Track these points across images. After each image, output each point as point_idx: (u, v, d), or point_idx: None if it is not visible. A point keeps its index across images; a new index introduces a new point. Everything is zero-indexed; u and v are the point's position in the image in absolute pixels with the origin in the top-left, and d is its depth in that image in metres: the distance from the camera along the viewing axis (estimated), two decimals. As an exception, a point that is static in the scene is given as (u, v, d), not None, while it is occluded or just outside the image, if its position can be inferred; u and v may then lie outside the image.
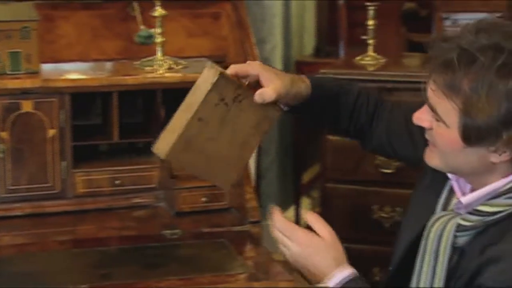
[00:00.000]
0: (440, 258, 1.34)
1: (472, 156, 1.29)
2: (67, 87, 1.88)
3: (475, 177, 1.34)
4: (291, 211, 3.80)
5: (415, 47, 3.73)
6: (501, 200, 1.30)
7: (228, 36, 3.11)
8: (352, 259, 2.93)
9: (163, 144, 1.40)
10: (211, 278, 1.60)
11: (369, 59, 3.00)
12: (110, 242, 1.76)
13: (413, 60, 3.35)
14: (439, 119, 1.30)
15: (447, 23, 2.91)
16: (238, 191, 1.90)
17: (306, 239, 1.38)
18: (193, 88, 1.43)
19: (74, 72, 2.03)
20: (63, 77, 1.92)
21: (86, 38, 2.93)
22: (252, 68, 1.47)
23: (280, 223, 1.40)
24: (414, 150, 1.52)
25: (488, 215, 1.30)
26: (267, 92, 1.44)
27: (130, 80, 1.91)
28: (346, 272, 1.36)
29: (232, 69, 1.46)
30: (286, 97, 1.47)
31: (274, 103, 1.46)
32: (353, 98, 1.58)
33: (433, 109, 1.30)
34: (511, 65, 1.22)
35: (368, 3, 2.96)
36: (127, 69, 2.01)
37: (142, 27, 2.83)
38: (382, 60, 2.99)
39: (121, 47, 2.94)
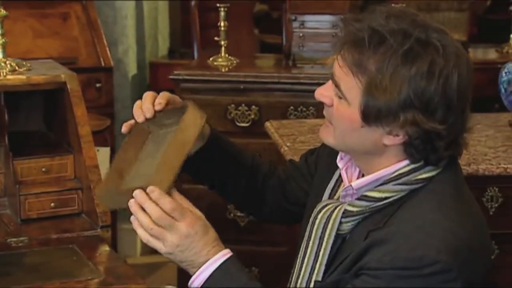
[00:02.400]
0: (324, 244, 1.36)
1: (367, 136, 1.31)
2: None
3: (366, 160, 1.36)
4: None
5: (268, 48, 3.82)
6: (390, 186, 1.32)
7: (78, 38, 3.04)
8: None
9: (159, 181, 1.33)
10: (60, 285, 1.55)
11: (222, 60, 3.03)
12: (-49, 253, 1.67)
13: (265, 61, 3.42)
14: (341, 96, 1.32)
15: (295, 24, 2.99)
16: (88, 195, 1.86)
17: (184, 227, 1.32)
18: (181, 126, 1.39)
19: None
20: None
21: None
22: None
23: (156, 211, 1.32)
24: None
25: (376, 201, 1.32)
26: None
27: (-31, 83, 1.83)
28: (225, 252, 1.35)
29: (166, 99, 1.46)
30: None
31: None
32: (249, 160, 1.60)
33: (337, 85, 1.32)
34: (416, 51, 1.26)
35: (219, 5, 2.99)
36: (-34, 71, 1.92)
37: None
38: (235, 61, 3.04)
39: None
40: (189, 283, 1.37)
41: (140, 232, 1.35)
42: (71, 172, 1.92)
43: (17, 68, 1.92)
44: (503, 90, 2.36)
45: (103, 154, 2.90)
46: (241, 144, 1.66)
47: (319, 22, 3.00)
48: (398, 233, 1.27)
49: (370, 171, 1.36)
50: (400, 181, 1.32)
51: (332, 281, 1.34)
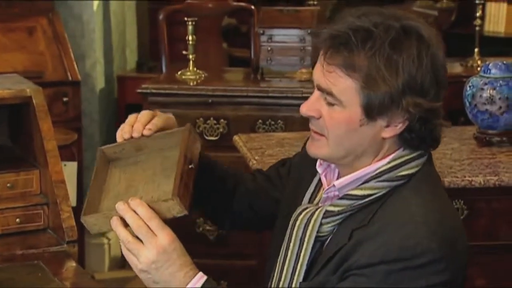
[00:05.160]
0: (304, 245, 1.35)
1: (367, 133, 1.33)
2: None
3: (353, 163, 1.36)
4: (117, 228, 3.74)
5: (236, 62, 3.83)
6: (372, 184, 1.34)
7: (45, 52, 3.02)
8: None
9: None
10: (25, 302, 1.54)
11: (190, 73, 3.04)
12: None
13: (234, 75, 3.43)
14: (333, 102, 1.32)
15: (263, 38, 3.01)
16: (55, 210, 1.84)
17: (163, 242, 1.30)
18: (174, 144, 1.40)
19: None
20: None
21: None
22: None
23: (136, 224, 1.31)
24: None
25: (358, 199, 1.33)
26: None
27: None
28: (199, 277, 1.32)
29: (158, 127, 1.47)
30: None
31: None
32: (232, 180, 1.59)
33: (328, 92, 1.32)
34: (402, 38, 1.30)
35: (187, 19, 3.00)
36: None
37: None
38: (203, 75, 3.04)
39: None
40: None
41: (122, 246, 1.34)
42: (36, 187, 1.90)
43: (-19, 82, 1.90)
44: (467, 104, 2.40)
45: (70, 168, 2.87)
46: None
47: (287, 36, 3.02)
48: (389, 224, 1.29)
49: (362, 165, 1.37)
50: (381, 178, 1.34)
51: (317, 282, 1.33)
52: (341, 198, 1.35)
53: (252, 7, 3.34)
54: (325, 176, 1.43)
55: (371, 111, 1.31)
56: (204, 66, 3.15)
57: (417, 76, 1.30)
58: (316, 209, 1.36)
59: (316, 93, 1.35)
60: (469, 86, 2.40)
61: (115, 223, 1.34)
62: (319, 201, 1.41)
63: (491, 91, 2.34)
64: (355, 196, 1.34)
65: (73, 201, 2.25)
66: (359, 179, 1.35)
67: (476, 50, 3.54)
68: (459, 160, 2.27)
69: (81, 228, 2.02)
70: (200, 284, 1.32)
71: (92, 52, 3.45)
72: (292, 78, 3.01)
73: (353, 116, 1.32)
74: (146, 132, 1.45)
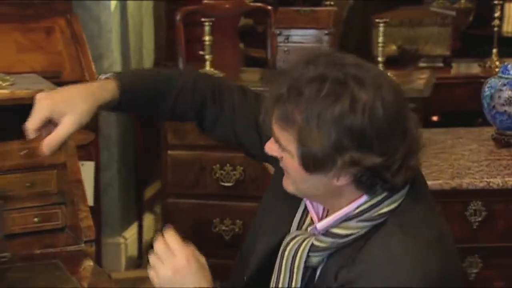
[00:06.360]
0: (295, 276, 1.37)
1: (317, 182, 1.33)
2: None
3: (328, 201, 1.38)
4: (134, 227, 3.75)
5: (252, 62, 3.83)
6: (352, 223, 1.33)
7: (63, 52, 3.03)
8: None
9: None
10: (43, 301, 1.55)
11: (207, 74, 3.04)
12: None
13: (250, 75, 3.43)
14: (284, 150, 1.33)
15: (280, 38, 3.01)
16: (72, 210, 1.85)
17: (179, 263, 1.34)
18: None
19: None
20: None
21: None
22: (42, 112, 1.45)
23: (159, 244, 1.37)
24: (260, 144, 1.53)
25: (340, 238, 1.34)
26: (51, 142, 1.45)
27: (-50, 97, 1.82)
28: None
29: (30, 129, 1.46)
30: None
31: None
32: (170, 102, 1.55)
33: (277, 140, 1.34)
34: (335, 93, 1.27)
35: (204, 19, 3.01)
36: None
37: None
38: (220, 75, 3.05)
39: None
40: None
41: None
42: (54, 187, 1.91)
43: (0, 82, 1.92)
44: (486, 105, 2.38)
45: (87, 168, 2.88)
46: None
47: (303, 37, 3.02)
48: (371, 268, 1.28)
49: (333, 209, 1.37)
50: (362, 217, 1.33)
51: None
52: (324, 235, 1.36)
53: (269, 7, 3.34)
54: (311, 202, 1.43)
55: (307, 166, 1.31)
56: (220, 67, 3.15)
57: (352, 131, 1.26)
58: (304, 240, 1.37)
59: (273, 137, 1.36)
60: (487, 87, 2.38)
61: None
62: (307, 226, 1.42)
63: (509, 92, 2.32)
64: (336, 235, 1.34)
65: (90, 200, 2.26)
66: (340, 218, 1.35)
67: (494, 51, 3.52)
68: (477, 161, 2.25)
69: (98, 227, 2.03)
70: None
71: (109, 53, 3.46)
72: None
73: (297, 166, 1.32)
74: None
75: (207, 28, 3.00)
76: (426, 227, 1.33)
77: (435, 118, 3.73)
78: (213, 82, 1.61)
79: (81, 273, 1.69)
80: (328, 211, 1.40)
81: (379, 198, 1.33)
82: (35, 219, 1.86)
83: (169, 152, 3.03)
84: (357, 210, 1.33)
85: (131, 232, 3.71)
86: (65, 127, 1.45)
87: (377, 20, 3.09)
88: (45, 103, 1.46)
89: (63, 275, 1.66)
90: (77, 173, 1.88)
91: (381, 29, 3.00)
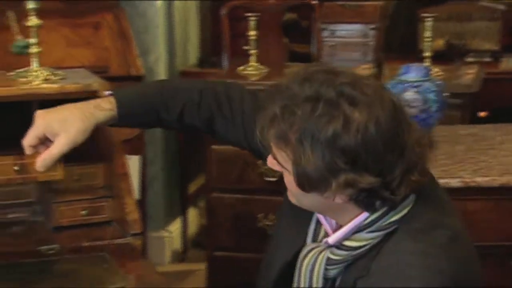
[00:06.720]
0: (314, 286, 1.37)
1: (317, 199, 1.32)
2: None
3: (332, 216, 1.37)
4: (178, 222, 3.78)
5: (297, 57, 3.82)
6: (363, 235, 1.33)
7: (110, 47, 3.07)
8: (237, 267, 2.97)
9: None
10: (91, 292, 1.57)
11: (252, 69, 3.04)
12: (-16, 259, 1.70)
13: (294, 70, 3.42)
14: (282, 167, 1.33)
15: (325, 33, 3.00)
16: (119, 203, 1.87)
17: None
18: None
19: None
20: None
21: (-42, 48, 2.81)
22: (37, 130, 1.52)
23: None
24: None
25: (354, 250, 1.33)
26: (45, 160, 1.51)
27: (3, 91, 1.85)
28: None
29: (25, 146, 1.52)
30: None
31: None
32: (175, 116, 1.57)
33: (275, 158, 1.33)
34: (328, 113, 1.24)
35: (249, 14, 3.01)
36: (0, 80, 1.95)
37: (18, 37, 2.75)
38: (265, 70, 3.04)
39: (-4, 57, 2.84)
40: None
41: None
42: (101, 181, 1.93)
43: (51, 77, 1.94)
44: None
45: (133, 162, 2.92)
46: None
47: (349, 31, 3.00)
48: (381, 281, 1.27)
49: (343, 221, 1.36)
50: (373, 227, 1.32)
51: None
52: (338, 248, 1.35)
53: (314, 2, 3.33)
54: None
55: (303, 185, 1.29)
56: (265, 61, 3.14)
57: (345, 152, 1.23)
58: (320, 253, 1.37)
59: (271, 154, 1.35)
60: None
61: None
62: (323, 237, 1.41)
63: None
64: (349, 248, 1.34)
65: (135, 194, 2.29)
66: (351, 230, 1.34)
67: (544, 45, 3.45)
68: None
69: (143, 221, 2.05)
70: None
71: (155, 48, 3.49)
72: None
73: (295, 184, 1.31)
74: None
75: (252, 23, 2.99)
76: (437, 231, 1.31)
77: (483, 114, 3.67)
78: (220, 93, 1.60)
79: (128, 265, 1.70)
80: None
81: (379, 213, 1.31)
82: (83, 212, 1.88)
83: (213, 147, 3.03)
84: (367, 221, 1.32)
85: (175, 226, 3.75)
86: (57, 147, 1.51)
87: (424, 15, 3.06)
88: (40, 122, 1.53)
89: (110, 268, 1.68)
90: (123, 167, 1.90)
91: (428, 23, 2.96)
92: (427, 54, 2.94)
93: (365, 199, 1.29)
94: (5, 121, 1.89)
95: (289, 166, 1.29)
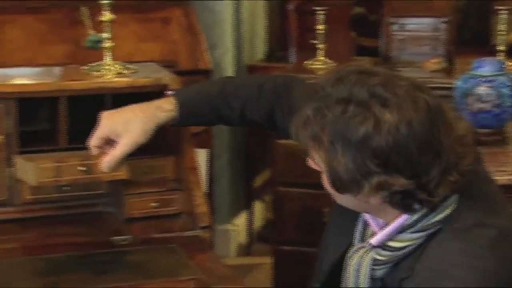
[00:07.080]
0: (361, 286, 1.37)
1: (351, 200, 1.31)
2: (13, 93, 1.85)
3: (376, 214, 1.36)
4: (243, 215, 3.80)
5: (365, 52, 3.78)
6: (406, 235, 1.32)
7: (178, 41, 3.11)
8: (303, 262, 2.96)
9: None
10: (162, 283, 1.59)
11: (319, 63, 3.03)
12: (58, 249, 1.74)
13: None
14: (319, 167, 1.32)
15: (395, 27, 2.96)
16: (188, 196, 1.89)
17: None
18: None
19: (21, 77, 2.00)
20: (9, 83, 1.89)
21: (33, 43, 2.89)
22: (102, 132, 1.60)
23: None
24: None
25: (398, 250, 1.32)
26: (110, 161, 1.59)
27: (77, 85, 1.89)
28: None
29: (91, 146, 1.60)
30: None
31: None
32: (237, 113, 1.61)
33: (312, 158, 1.33)
34: (358, 115, 1.23)
35: (317, 8, 2.99)
36: (74, 74, 1.99)
37: (91, 31, 2.81)
38: (332, 65, 3.03)
39: (69, 52, 2.91)
40: None
41: None
42: (171, 173, 1.96)
43: (123, 71, 1.98)
44: None
45: (201, 155, 2.94)
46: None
47: (419, 25, 2.95)
48: (425, 281, 1.26)
49: (387, 219, 1.34)
50: (416, 227, 1.30)
51: None
52: (383, 249, 1.34)
53: (383, -4, 3.29)
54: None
55: (336, 186, 1.28)
56: (332, 56, 3.13)
57: (377, 154, 1.22)
58: (366, 254, 1.36)
59: (309, 154, 1.34)
60: None
61: None
62: (370, 236, 1.39)
63: None
64: (393, 248, 1.33)
65: (204, 187, 2.31)
66: (394, 230, 1.33)
67: None
68: None
69: (210, 214, 2.07)
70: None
71: (223, 42, 3.51)
72: (422, 68, 2.94)
73: (330, 184, 1.30)
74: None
75: (320, 17, 2.98)
76: (481, 230, 1.29)
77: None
78: (279, 86, 1.61)
79: (198, 257, 1.72)
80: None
81: (420, 213, 1.29)
82: (153, 204, 1.91)
83: (279, 141, 3.04)
84: (411, 220, 1.31)
85: (241, 220, 3.77)
86: (120, 148, 1.59)
87: (498, 7, 2.98)
88: (104, 123, 1.60)
89: (181, 259, 1.70)
90: (193, 160, 1.92)
91: (502, 16, 2.89)
92: (501, 48, 2.88)
93: (400, 201, 1.28)
94: (79, 114, 1.94)
95: (323, 166, 1.30)
